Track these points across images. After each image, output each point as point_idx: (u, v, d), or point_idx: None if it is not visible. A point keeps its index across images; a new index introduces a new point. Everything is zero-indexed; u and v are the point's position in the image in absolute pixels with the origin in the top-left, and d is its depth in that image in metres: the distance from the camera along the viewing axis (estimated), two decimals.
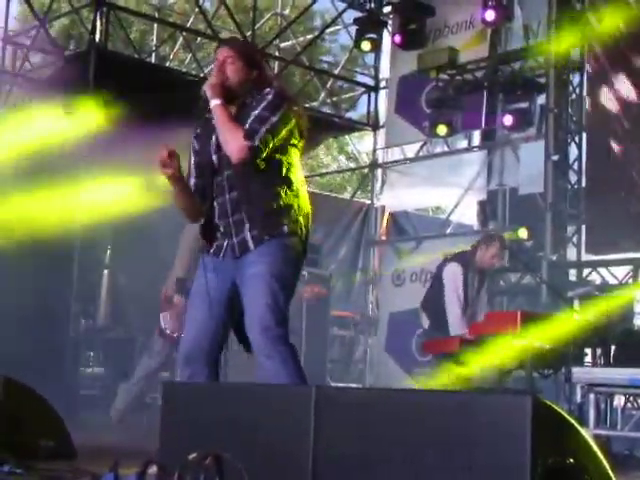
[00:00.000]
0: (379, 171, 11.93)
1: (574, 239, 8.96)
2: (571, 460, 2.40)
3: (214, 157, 3.64)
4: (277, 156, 3.58)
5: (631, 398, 6.55)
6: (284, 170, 3.59)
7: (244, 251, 3.55)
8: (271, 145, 3.52)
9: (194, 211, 3.70)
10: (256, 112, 3.53)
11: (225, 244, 3.61)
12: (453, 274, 6.71)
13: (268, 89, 3.60)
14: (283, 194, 3.55)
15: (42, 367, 7.27)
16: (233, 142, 3.48)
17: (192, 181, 3.71)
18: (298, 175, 3.65)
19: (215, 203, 3.63)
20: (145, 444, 3.57)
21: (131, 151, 7.88)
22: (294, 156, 3.65)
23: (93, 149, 8.23)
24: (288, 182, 3.59)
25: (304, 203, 3.64)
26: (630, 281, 8.48)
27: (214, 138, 3.62)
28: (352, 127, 12.59)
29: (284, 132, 3.56)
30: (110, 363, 8.95)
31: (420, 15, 10.30)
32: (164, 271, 6.90)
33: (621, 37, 8.48)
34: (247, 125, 3.50)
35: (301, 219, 3.59)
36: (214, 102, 3.55)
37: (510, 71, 9.74)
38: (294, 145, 3.65)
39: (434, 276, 7.13)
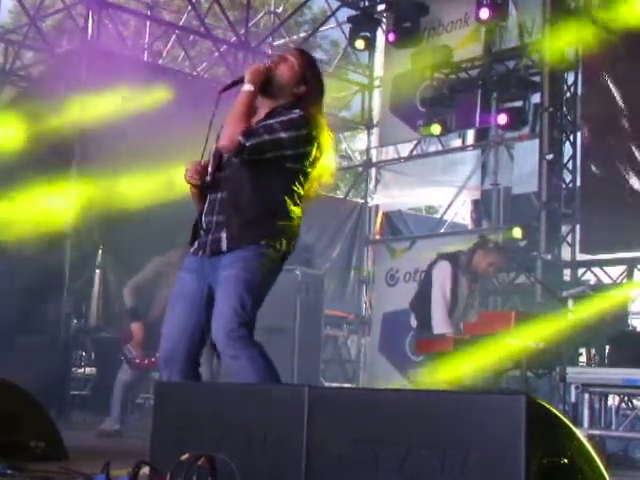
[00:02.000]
0: (373, 170, 11.91)
1: (568, 238, 8.93)
2: (565, 460, 2.39)
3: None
4: (277, 174, 3.50)
5: (625, 398, 6.55)
6: (282, 190, 3.51)
7: (217, 251, 3.50)
8: (267, 156, 3.44)
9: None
10: (271, 121, 3.47)
11: (204, 242, 3.58)
12: (442, 272, 6.69)
13: (299, 110, 3.51)
14: (272, 212, 3.49)
15: (33, 367, 7.23)
16: (230, 129, 3.42)
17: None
18: (296, 199, 3.55)
19: (208, 198, 3.59)
20: (137, 444, 3.54)
21: (123, 149, 7.86)
22: (299, 181, 3.55)
23: (84, 147, 8.20)
24: (281, 203, 3.51)
25: (293, 228, 3.55)
26: (624, 281, 8.46)
27: None
28: (346, 126, 12.56)
29: (288, 152, 3.46)
30: (101, 363, 8.91)
31: (414, 13, 10.28)
32: None
33: (616, 35, 8.46)
34: (255, 125, 3.45)
35: (284, 239, 3.52)
36: (246, 87, 3.47)
37: (504, 70, 9.74)
38: (302, 170, 3.54)
39: (425, 274, 7.12)
